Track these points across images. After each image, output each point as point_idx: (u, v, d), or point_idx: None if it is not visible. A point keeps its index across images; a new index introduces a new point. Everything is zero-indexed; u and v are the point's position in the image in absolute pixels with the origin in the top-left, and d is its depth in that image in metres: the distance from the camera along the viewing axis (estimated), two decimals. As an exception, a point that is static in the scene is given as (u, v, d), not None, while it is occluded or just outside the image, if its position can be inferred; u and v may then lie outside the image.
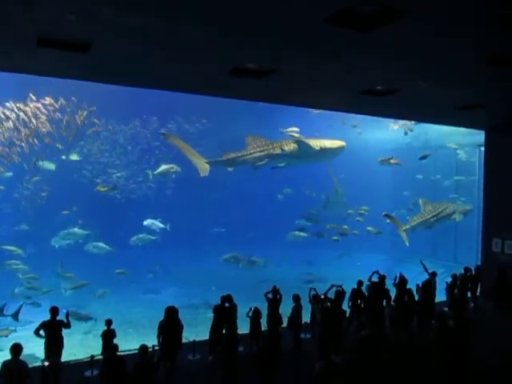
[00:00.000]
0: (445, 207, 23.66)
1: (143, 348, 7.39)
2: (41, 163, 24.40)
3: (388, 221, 25.64)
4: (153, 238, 24.10)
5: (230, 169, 23.66)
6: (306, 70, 8.84)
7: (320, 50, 7.43)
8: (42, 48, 7.08)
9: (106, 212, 27.97)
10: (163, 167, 25.02)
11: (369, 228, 27.21)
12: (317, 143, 23.53)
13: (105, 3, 5.59)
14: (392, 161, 24.27)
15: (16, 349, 6.86)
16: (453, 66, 8.24)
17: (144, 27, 6.44)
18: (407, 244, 23.88)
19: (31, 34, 6.61)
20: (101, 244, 22.66)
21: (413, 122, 25.76)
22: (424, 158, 24.96)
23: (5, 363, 6.82)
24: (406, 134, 28.80)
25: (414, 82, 9.40)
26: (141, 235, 24.05)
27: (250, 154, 23.25)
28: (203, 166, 22.82)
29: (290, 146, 23.11)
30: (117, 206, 29.02)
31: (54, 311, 8.38)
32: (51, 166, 24.98)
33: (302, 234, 27.69)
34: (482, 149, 25.20)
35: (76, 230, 23.17)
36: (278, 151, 23.02)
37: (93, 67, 8.80)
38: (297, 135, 24.06)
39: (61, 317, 8.54)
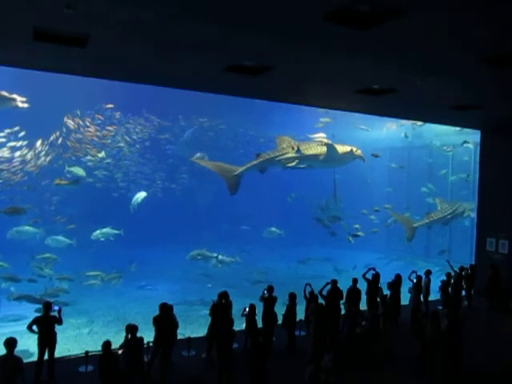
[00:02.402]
0: (458, 205, 24.23)
1: (132, 327, 7.76)
2: (72, 169, 24.96)
3: (392, 218, 26.19)
4: (116, 232, 23.87)
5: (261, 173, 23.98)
6: (303, 68, 8.83)
7: (317, 48, 7.42)
8: (39, 42, 7.03)
9: (111, 210, 28.08)
10: (199, 155, 27.37)
11: (387, 224, 27.76)
12: (341, 148, 24.38)
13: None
14: (356, 152, 24.32)
15: (10, 343, 6.79)
16: (450, 65, 8.26)
17: (142, 23, 6.41)
18: (407, 243, 24.31)
19: (28, 28, 6.56)
20: (60, 238, 22.66)
21: (419, 123, 25.82)
22: (376, 156, 26.63)
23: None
24: (406, 137, 28.89)
25: (411, 81, 9.42)
26: (104, 230, 23.76)
27: (282, 155, 23.49)
28: (232, 181, 23.01)
29: (318, 150, 23.63)
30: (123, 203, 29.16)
31: (47, 306, 8.33)
32: (80, 172, 25.35)
33: (276, 230, 28.88)
34: (465, 145, 25.83)
35: (26, 227, 22.87)
36: (309, 153, 23.51)
37: (90, 62, 8.76)
38: (325, 140, 24.74)
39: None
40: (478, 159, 17.08)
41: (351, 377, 8.89)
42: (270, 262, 27.73)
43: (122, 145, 30.32)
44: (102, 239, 23.76)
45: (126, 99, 27.51)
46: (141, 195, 27.23)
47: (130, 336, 7.80)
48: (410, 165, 32.23)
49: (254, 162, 23.20)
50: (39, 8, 5.90)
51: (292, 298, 10.39)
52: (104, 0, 5.62)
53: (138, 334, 7.95)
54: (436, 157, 30.33)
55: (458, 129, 23.96)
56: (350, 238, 27.52)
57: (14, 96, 21.10)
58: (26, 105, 21.55)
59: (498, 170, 14.94)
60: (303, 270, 25.72)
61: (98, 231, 23.76)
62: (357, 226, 28.15)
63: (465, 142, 25.40)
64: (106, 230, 23.82)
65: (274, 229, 29.03)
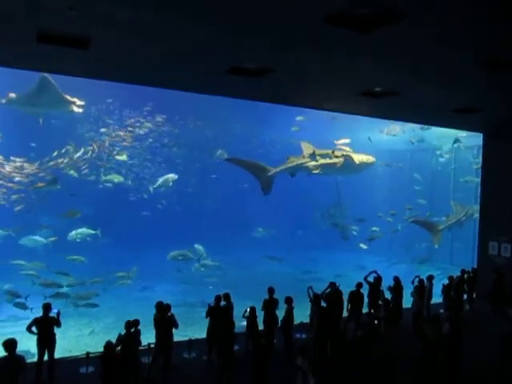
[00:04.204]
0: (469, 208, 24.82)
1: (126, 323, 7.99)
2: (108, 177, 26.21)
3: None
4: (92, 232, 23.90)
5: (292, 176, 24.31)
6: (305, 70, 8.82)
7: (319, 51, 7.42)
8: (42, 44, 7.05)
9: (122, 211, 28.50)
10: (220, 152, 29.64)
11: (398, 227, 28.53)
12: (358, 158, 25.02)
13: (105, -1, 5.56)
14: (335, 153, 24.43)
15: (9, 344, 6.78)
16: (451, 69, 8.25)
17: (144, 25, 6.42)
18: (436, 246, 24.65)
19: (31, 30, 6.58)
20: (37, 237, 22.96)
21: (425, 127, 25.96)
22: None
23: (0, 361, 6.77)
24: (412, 143, 29.01)
25: (413, 84, 9.43)
26: (79, 230, 23.76)
27: (309, 162, 23.84)
28: (266, 181, 23.12)
29: (336, 159, 24.50)
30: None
31: (47, 307, 8.35)
32: (117, 178, 26.46)
33: (262, 230, 30.77)
34: (456, 145, 26.10)
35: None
36: (332, 161, 24.02)
37: (92, 64, 8.78)
38: (347, 148, 25.15)
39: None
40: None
41: (353, 379, 8.88)
42: (269, 265, 27.82)
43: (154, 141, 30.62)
44: (78, 240, 23.75)
45: (129, 98, 27.64)
46: (171, 177, 27.17)
47: (124, 332, 7.96)
48: (411, 167, 32.31)
49: (289, 165, 23.56)
50: (43, 10, 5.92)
51: (289, 301, 10.36)
52: (107, 1, 5.64)
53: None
54: (439, 159, 30.40)
55: (464, 134, 24.10)
56: (363, 245, 27.87)
57: (75, 99, 21.77)
58: (81, 109, 22.37)
59: (501, 172, 14.89)
60: (276, 267, 26.31)
61: (73, 232, 23.78)
62: (375, 228, 28.42)
63: (456, 140, 25.46)
64: (82, 230, 23.83)
65: (261, 229, 30.64)
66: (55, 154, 25.98)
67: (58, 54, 7.76)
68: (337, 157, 23.92)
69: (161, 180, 27.28)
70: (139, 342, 8.16)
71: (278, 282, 11.21)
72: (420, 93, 10.16)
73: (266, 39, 6.88)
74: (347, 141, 27.94)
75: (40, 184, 23.89)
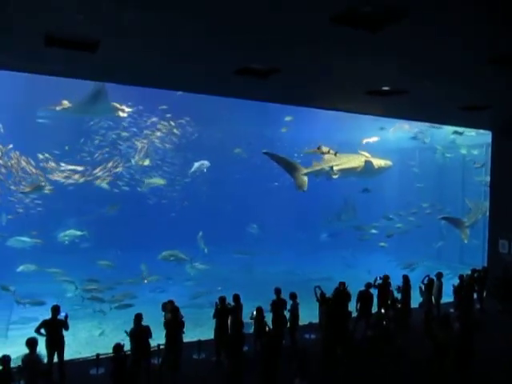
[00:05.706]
0: (482, 205, 24.87)
1: (138, 316, 8.34)
2: (151, 181, 26.93)
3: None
4: (80, 233, 24.15)
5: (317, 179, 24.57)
6: (311, 70, 8.80)
7: (325, 50, 7.39)
8: (50, 47, 7.09)
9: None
10: (237, 150, 30.31)
11: (418, 225, 28.41)
12: (377, 162, 25.47)
13: (111, 1, 5.57)
14: (323, 149, 24.13)
15: (32, 343, 6.90)
16: (459, 66, 8.18)
17: (151, 27, 6.44)
18: (466, 241, 24.71)
19: (39, 33, 6.62)
20: (24, 238, 23.16)
21: (435, 125, 25.86)
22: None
23: (24, 358, 6.86)
24: (424, 142, 28.89)
25: (421, 82, 9.36)
26: (67, 231, 24.12)
27: (333, 165, 24.12)
28: (301, 180, 23.30)
29: (357, 163, 24.87)
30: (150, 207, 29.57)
31: (55, 310, 8.41)
32: (160, 181, 27.12)
33: (256, 227, 31.57)
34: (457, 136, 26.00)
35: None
36: (353, 165, 24.34)
37: (100, 67, 8.82)
38: (367, 154, 25.45)
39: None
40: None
41: (362, 378, 8.84)
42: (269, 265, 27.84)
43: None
44: (67, 242, 24.06)
45: (141, 101, 27.59)
46: (205, 163, 27.73)
47: (134, 325, 8.13)
48: (420, 166, 32.11)
49: (316, 168, 23.85)
50: (50, 13, 5.96)
51: (293, 297, 10.30)
52: (114, 4, 5.65)
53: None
54: (447, 157, 30.17)
55: (473, 133, 24.00)
56: (383, 244, 27.87)
57: (123, 107, 23.03)
58: (125, 114, 23.85)
59: (510, 170, 14.77)
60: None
61: (62, 233, 24.16)
62: (399, 225, 28.46)
63: (455, 132, 25.31)
64: (70, 231, 24.22)
65: (255, 226, 31.55)
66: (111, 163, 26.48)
67: (67, 57, 7.81)
68: (323, 152, 23.57)
69: (196, 165, 27.85)
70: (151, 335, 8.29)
71: (277, 283, 11.11)
72: (428, 91, 10.09)
73: (271, 40, 6.85)
74: (375, 139, 27.80)
75: (27, 188, 23.92)
